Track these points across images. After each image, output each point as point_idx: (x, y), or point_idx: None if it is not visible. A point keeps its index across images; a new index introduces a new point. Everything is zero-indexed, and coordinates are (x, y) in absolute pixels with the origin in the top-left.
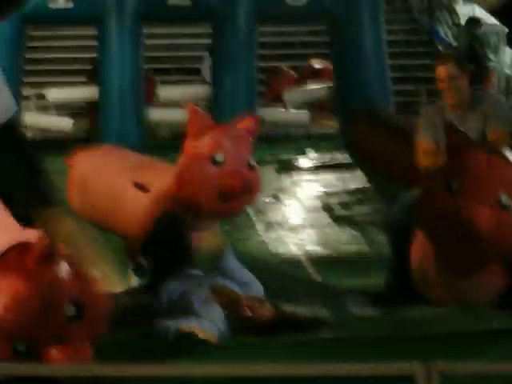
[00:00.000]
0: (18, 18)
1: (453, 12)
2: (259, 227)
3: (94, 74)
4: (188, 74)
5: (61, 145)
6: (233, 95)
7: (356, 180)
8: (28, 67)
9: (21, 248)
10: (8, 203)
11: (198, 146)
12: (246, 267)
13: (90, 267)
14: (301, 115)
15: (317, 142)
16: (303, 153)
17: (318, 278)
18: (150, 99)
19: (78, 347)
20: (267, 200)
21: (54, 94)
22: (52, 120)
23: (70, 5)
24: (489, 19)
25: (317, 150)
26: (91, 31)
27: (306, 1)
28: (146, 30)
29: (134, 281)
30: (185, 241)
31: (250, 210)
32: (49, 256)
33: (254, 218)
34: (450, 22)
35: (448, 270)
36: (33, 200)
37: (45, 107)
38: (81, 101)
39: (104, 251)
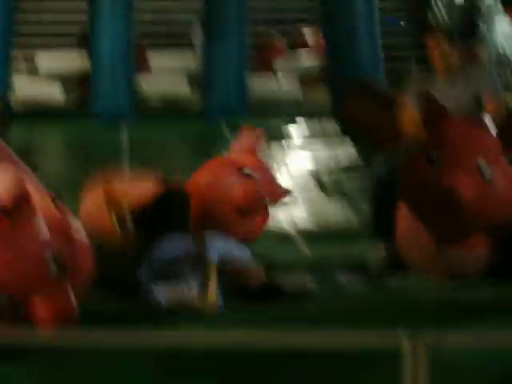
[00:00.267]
0: None
1: None
2: None
3: (85, 39)
4: (177, 38)
5: (51, 113)
6: (223, 62)
7: (345, 150)
8: (18, 29)
9: None
10: None
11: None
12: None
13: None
14: (291, 84)
15: (307, 111)
16: (293, 123)
17: (305, 249)
18: (142, 67)
19: (61, 299)
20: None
21: (44, 59)
22: (41, 86)
23: None
24: None
25: (307, 120)
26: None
27: None
28: (136, 4)
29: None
30: (185, 220)
31: None
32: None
33: None
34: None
35: (432, 240)
36: None
37: (35, 70)
38: (71, 68)
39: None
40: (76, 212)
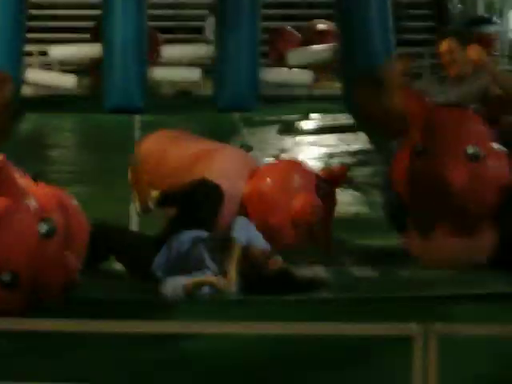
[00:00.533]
0: None
1: None
2: None
3: (98, 32)
4: (191, 32)
5: (64, 102)
6: (236, 55)
7: (358, 142)
8: (31, 24)
9: None
10: None
11: None
12: None
13: None
14: (304, 76)
15: (320, 103)
16: (306, 114)
17: None
18: (155, 58)
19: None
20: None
21: (57, 51)
22: (55, 77)
23: None
24: None
25: (319, 112)
26: None
27: None
28: None
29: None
30: (216, 210)
31: None
32: None
33: None
34: None
35: (433, 230)
36: None
37: (48, 64)
38: (84, 58)
39: None
40: (86, 198)
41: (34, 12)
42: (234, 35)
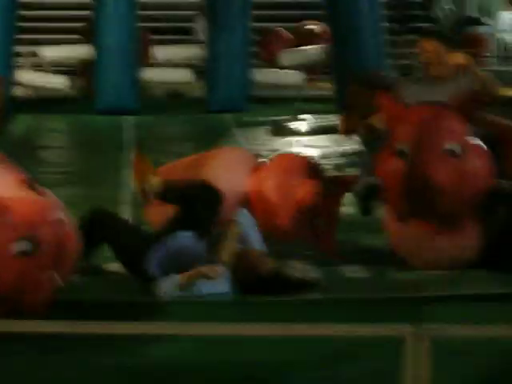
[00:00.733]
0: None
1: None
2: None
3: (89, 33)
4: (181, 33)
5: (55, 103)
6: (227, 56)
7: (350, 143)
8: (22, 25)
9: None
10: None
11: None
12: None
13: None
14: (295, 77)
15: (312, 104)
16: (297, 115)
17: None
18: (146, 59)
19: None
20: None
21: (48, 53)
22: (46, 78)
23: None
24: None
25: (311, 113)
26: None
27: None
28: None
29: None
30: (214, 213)
31: None
32: None
33: None
34: None
35: (418, 232)
36: None
37: (39, 65)
38: (75, 60)
39: None
40: (76, 201)
41: (25, 13)
42: (225, 36)
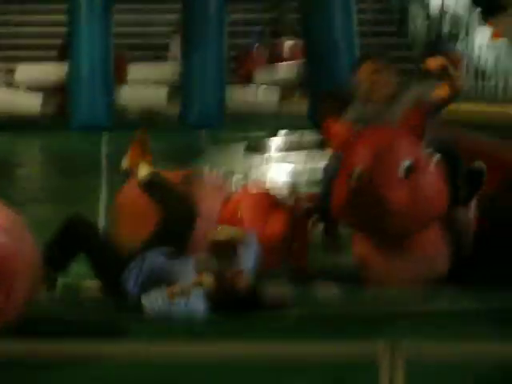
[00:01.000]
0: None
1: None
2: None
3: (65, 52)
4: (156, 50)
5: (29, 122)
6: (202, 73)
7: (325, 159)
8: None
9: None
10: None
11: None
12: None
13: None
14: (271, 94)
15: (287, 121)
16: (273, 132)
17: None
18: (120, 78)
19: None
20: (236, 179)
21: (23, 72)
22: (20, 97)
23: None
24: (461, 6)
25: (287, 129)
26: (62, 5)
27: None
28: (115, 16)
29: None
30: (191, 226)
31: None
32: None
33: None
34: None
35: (379, 251)
36: None
37: (14, 83)
38: (51, 80)
39: None
40: (51, 217)
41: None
42: (200, 53)
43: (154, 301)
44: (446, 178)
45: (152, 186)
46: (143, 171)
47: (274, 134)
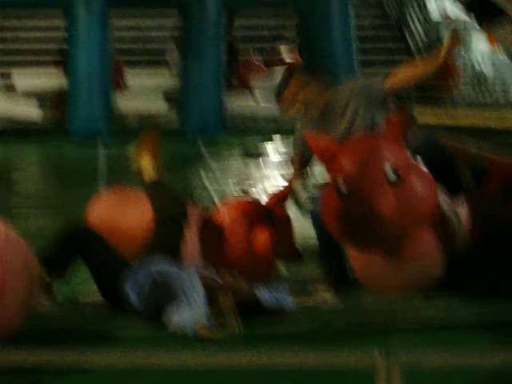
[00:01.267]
0: None
1: (423, 8)
2: None
3: (62, 56)
4: (154, 55)
5: (28, 131)
6: (200, 79)
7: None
8: None
9: None
10: None
11: None
12: None
13: None
14: (268, 102)
15: (286, 132)
16: (270, 140)
17: (281, 265)
18: (119, 84)
19: None
20: (234, 190)
21: (21, 78)
22: (19, 107)
23: None
24: (459, 12)
25: (284, 138)
26: (60, 19)
27: None
28: (113, 22)
29: None
30: (182, 227)
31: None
32: None
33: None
34: (421, 18)
35: (373, 259)
36: None
37: (11, 88)
38: (48, 85)
39: None
40: (49, 229)
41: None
42: (198, 63)
43: (181, 322)
44: (441, 177)
45: (150, 188)
46: (145, 173)
47: (272, 140)
